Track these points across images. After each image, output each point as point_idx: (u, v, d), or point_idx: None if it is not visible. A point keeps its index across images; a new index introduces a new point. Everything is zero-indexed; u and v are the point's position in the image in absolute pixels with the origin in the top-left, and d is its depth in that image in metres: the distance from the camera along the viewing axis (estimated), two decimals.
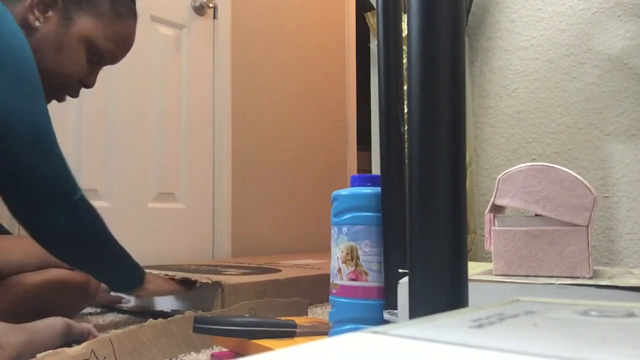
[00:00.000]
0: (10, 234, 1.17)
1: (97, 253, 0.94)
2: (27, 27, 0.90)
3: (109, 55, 0.99)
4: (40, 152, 0.83)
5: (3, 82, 0.80)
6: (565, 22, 1.13)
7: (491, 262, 0.55)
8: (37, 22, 0.91)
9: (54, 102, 0.98)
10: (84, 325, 0.86)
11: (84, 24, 0.95)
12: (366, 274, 0.70)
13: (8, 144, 0.80)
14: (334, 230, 0.74)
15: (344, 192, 0.73)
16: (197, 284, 1.13)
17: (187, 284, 1.14)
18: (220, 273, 1.30)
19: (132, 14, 1.02)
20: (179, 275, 1.17)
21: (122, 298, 1.21)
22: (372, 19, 1.24)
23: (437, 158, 0.34)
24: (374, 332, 0.20)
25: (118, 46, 1.00)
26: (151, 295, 1.13)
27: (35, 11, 0.92)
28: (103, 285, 1.09)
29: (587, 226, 0.51)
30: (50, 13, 0.93)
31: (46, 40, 0.92)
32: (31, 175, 0.82)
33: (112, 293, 1.19)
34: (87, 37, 0.95)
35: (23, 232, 1.18)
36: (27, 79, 0.83)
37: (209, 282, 1.12)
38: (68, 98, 1.04)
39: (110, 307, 1.26)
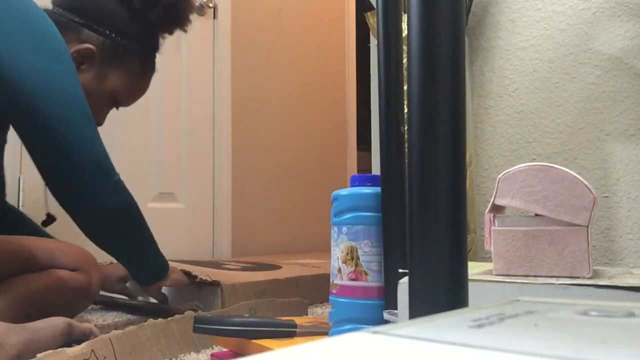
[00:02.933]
0: (50, 236, 1.16)
1: (132, 237, 0.97)
2: None
3: (125, 104, 1.07)
4: (84, 131, 0.87)
5: (42, 61, 0.84)
6: (565, 22, 1.13)
7: (491, 262, 0.55)
8: None
9: None
10: (85, 325, 0.86)
11: (114, 80, 1.01)
12: (366, 274, 0.70)
13: (55, 122, 0.84)
14: (334, 230, 0.74)
15: (344, 192, 0.73)
16: (197, 279, 1.13)
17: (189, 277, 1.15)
18: (220, 267, 1.30)
19: (154, 66, 1.08)
20: (180, 267, 1.17)
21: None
22: (372, 19, 1.23)
23: (437, 158, 0.34)
24: (374, 332, 0.20)
25: (135, 99, 1.08)
26: (172, 286, 1.12)
27: None
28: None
29: (587, 226, 0.51)
30: (84, 66, 0.98)
31: None
32: (75, 153, 0.85)
33: (129, 285, 1.20)
34: (114, 92, 1.02)
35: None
36: (62, 60, 0.87)
37: (209, 279, 1.13)
38: None
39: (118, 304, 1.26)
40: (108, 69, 0.99)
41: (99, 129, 0.97)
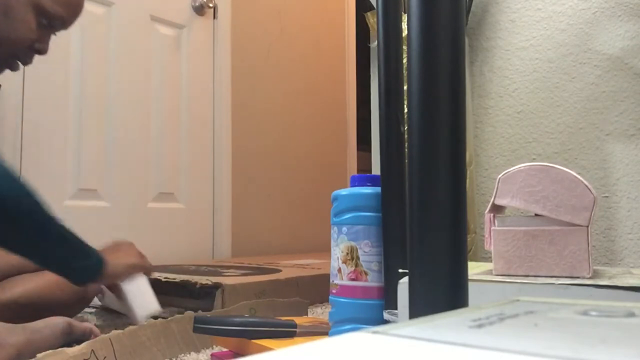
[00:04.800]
0: None
1: (32, 231, 0.84)
2: None
3: (59, 20, 0.98)
4: None
5: None
6: (565, 22, 1.13)
7: (491, 262, 0.55)
8: None
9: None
10: (86, 325, 0.86)
11: None
12: (366, 274, 0.70)
13: None
14: (334, 230, 0.74)
15: (344, 192, 0.73)
16: (197, 286, 1.13)
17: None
18: (220, 274, 1.30)
19: None
20: (179, 278, 1.17)
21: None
22: (372, 19, 1.23)
23: (437, 158, 0.34)
24: (374, 332, 0.20)
25: (67, 10, 0.98)
26: (115, 280, 0.99)
27: None
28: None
29: (587, 226, 0.51)
30: None
31: None
32: None
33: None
34: (35, 0, 0.93)
35: None
36: None
37: (209, 283, 1.12)
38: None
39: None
40: None
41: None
